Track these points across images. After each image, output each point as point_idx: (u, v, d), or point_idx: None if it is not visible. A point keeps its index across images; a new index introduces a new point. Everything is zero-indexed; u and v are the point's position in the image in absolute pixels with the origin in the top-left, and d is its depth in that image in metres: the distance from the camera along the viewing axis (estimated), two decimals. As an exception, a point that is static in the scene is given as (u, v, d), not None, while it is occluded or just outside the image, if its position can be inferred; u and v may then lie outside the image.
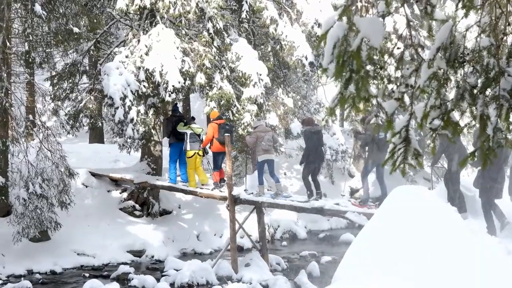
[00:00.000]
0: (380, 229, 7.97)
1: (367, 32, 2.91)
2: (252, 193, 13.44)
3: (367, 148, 11.94)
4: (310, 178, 12.47)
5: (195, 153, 14.61)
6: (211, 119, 14.41)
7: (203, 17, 15.21)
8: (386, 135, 11.33)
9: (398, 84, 3.33)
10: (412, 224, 7.70)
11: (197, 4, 14.43)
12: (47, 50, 15.95)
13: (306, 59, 16.51)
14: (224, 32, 15.63)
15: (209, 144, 14.42)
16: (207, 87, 15.24)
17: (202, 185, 14.87)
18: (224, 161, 14.14)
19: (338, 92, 3.08)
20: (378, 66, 3.11)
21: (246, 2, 16.51)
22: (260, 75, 15.59)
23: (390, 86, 3.29)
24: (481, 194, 9.76)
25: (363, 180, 12.02)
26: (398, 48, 3.36)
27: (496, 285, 6.41)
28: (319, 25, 16.77)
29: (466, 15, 3.30)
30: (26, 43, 14.52)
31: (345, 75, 2.93)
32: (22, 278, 12.61)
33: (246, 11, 16.63)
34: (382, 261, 7.19)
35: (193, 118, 15.67)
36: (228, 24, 16.22)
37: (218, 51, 15.28)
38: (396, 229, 7.71)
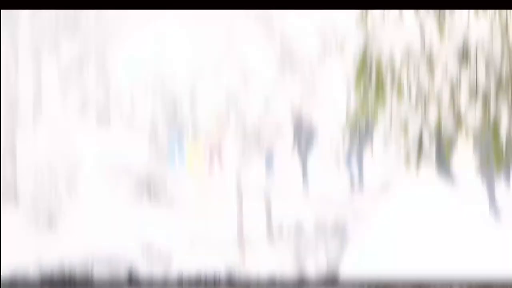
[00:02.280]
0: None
1: (387, 41, 2.96)
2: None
3: None
4: None
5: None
6: None
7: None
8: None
9: (413, 89, 3.37)
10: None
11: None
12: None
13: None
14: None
15: None
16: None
17: None
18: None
19: (358, 99, 3.13)
20: (396, 75, 3.15)
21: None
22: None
23: (405, 92, 3.33)
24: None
25: None
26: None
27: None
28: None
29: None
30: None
31: (365, 82, 3.00)
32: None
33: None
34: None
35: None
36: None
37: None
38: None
